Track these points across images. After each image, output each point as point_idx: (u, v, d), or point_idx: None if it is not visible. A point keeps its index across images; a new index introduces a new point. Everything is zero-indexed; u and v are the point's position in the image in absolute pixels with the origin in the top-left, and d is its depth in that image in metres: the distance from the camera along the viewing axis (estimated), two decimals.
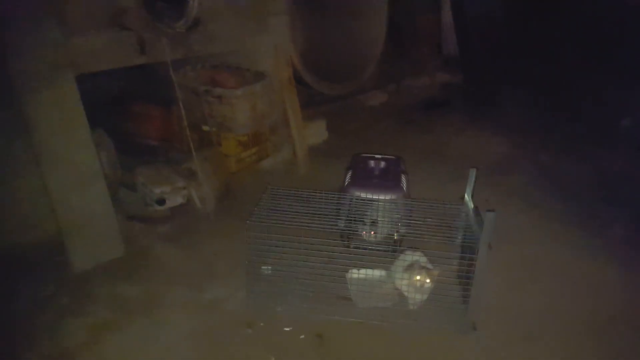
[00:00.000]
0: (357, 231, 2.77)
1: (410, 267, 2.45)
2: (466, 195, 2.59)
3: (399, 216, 2.69)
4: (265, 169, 4.06)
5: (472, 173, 2.54)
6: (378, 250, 2.65)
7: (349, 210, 2.75)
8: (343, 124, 5.14)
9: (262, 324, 2.41)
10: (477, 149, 4.71)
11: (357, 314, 2.44)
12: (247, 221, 2.36)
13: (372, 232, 2.77)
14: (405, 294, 2.50)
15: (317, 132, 4.66)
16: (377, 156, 3.19)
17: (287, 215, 2.53)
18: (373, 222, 2.76)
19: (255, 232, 2.38)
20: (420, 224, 2.52)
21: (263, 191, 2.71)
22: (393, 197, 2.75)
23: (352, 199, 2.73)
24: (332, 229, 2.56)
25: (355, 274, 2.63)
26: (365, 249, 2.68)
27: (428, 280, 2.40)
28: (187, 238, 3.13)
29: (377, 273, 2.66)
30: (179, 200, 3.35)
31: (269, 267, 2.70)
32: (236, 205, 3.52)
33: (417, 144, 4.83)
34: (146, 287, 2.69)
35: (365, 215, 2.75)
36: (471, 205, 2.51)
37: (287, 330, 2.37)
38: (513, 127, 5.12)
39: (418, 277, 2.41)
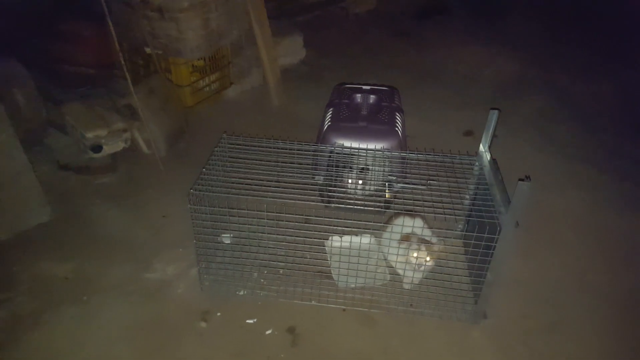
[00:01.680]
0: (340, 184, 2.20)
1: (407, 239, 1.92)
2: (482, 145, 1.99)
3: (394, 172, 2.12)
4: (229, 100, 3.39)
5: (493, 116, 1.92)
6: (365, 209, 2.08)
7: (328, 162, 2.16)
8: (324, 38, 4.38)
9: (219, 314, 1.92)
10: (482, 68, 4.03)
11: (340, 297, 1.95)
12: (191, 190, 1.77)
13: (359, 181, 2.20)
14: (399, 271, 2.00)
15: (292, 49, 3.90)
16: (365, 87, 2.53)
17: (246, 174, 1.94)
18: (362, 170, 2.18)
19: (202, 204, 1.80)
20: (420, 181, 1.95)
21: (216, 141, 2.09)
22: (385, 145, 2.16)
23: (332, 150, 2.13)
24: (307, 184, 1.98)
25: (337, 241, 2.12)
26: (349, 208, 2.12)
27: (428, 258, 1.90)
28: (131, 194, 2.56)
29: (364, 240, 2.16)
30: (120, 145, 2.71)
31: (230, 235, 2.18)
32: (194, 148, 2.91)
33: (412, 61, 4.13)
34: (78, 264, 2.15)
35: (351, 165, 2.18)
36: (488, 157, 1.93)
37: (251, 323, 1.88)
38: (522, 40, 4.40)
39: (415, 254, 1.90)
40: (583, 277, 2.10)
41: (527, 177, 1.53)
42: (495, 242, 1.65)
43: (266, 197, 1.77)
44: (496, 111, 1.92)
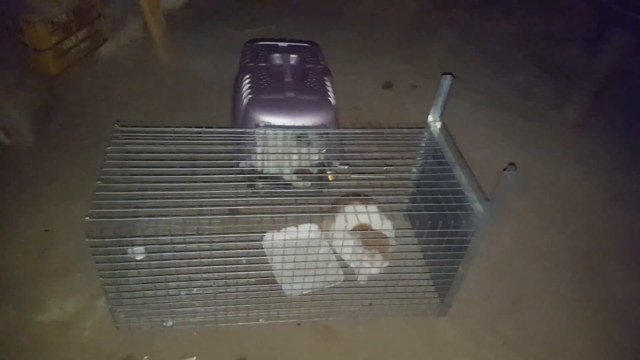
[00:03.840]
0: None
1: (359, 231, 1.65)
2: (431, 115, 1.74)
3: (332, 151, 1.81)
4: (105, 61, 2.75)
5: (446, 82, 1.66)
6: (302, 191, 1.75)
7: (254, 144, 1.78)
8: None
9: (146, 358, 1.54)
10: (383, 6, 3.76)
11: (291, 309, 1.66)
12: (87, 217, 1.30)
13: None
14: (352, 264, 1.76)
15: None
16: (282, 44, 2.11)
17: (155, 179, 1.50)
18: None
19: (103, 231, 1.34)
20: (377, 168, 1.67)
21: (107, 138, 1.58)
22: (319, 119, 1.82)
23: (260, 132, 1.74)
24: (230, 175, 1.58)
25: (276, 236, 1.78)
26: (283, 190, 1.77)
27: (385, 253, 1.66)
28: None
29: (306, 229, 1.82)
30: None
31: (142, 250, 1.74)
32: (69, 129, 2.32)
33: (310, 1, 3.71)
34: None
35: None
36: (437, 127, 1.70)
37: None
38: None
39: (371, 250, 1.65)
40: (534, 243, 2.04)
41: (512, 165, 1.31)
42: (472, 236, 1.45)
43: (184, 215, 1.37)
44: (448, 76, 1.66)
